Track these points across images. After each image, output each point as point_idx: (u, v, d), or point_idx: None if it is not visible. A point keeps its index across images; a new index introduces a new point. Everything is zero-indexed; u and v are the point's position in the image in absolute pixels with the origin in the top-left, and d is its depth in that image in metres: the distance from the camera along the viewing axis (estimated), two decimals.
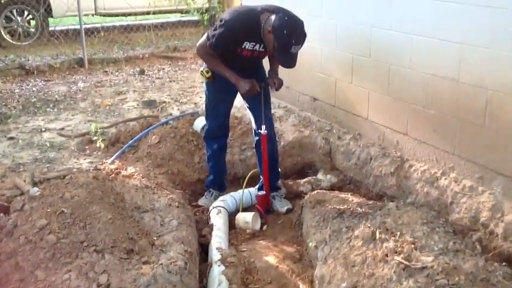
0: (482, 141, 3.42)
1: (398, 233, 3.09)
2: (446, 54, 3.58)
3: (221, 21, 3.80)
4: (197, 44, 4.04)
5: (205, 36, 3.93)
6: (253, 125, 4.25)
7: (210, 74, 4.04)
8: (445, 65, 3.61)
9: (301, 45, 3.68)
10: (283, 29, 3.57)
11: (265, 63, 4.22)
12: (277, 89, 4.12)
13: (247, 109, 4.28)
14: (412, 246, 2.94)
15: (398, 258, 2.86)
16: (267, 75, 4.14)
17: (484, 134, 3.40)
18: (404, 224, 3.21)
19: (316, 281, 3.25)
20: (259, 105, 4.07)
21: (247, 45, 3.83)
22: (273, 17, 3.64)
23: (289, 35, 3.58)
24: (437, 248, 2.94)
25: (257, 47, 3.86)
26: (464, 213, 3.45)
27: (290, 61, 3.74)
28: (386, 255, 2.93)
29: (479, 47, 3.33)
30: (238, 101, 4.37)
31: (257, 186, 4.39)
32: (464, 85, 3.48)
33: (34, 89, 7.34)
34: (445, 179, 3.69)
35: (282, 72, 4.11)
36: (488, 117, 3.35)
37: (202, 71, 4.09)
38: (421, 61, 3.81)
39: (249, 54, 3.90)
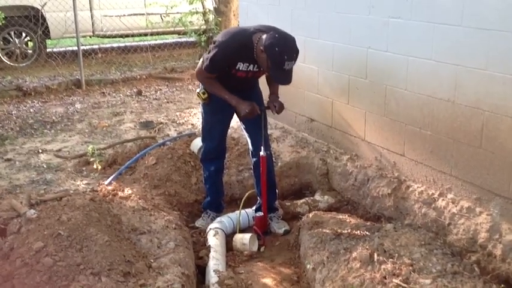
0: (479, 162, 3.43)
1: (396, 254, 3.09)
2: (442, 76, 3.60)
3: (214, 43, 3.84)
4: (195, 70, 4.07)
5: (201, 60, 3.95)
6: (250, 147, 4.26)
7: (206, 95, 4.05)
8: (441, 86, 3.63)
9: (295, 61, 3.69)
10: (274, 47, 3.59)
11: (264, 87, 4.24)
12: (278, 112, 4.09)
13: (244, 130, 4.29)
14: (410, 268, 2.94)
15: (396, 280, 2.85)
16: (268, 99, 4.13)
17: (480, 155, 3.41)
18: (402, 245, 3.20)
19: None
20: (257, 127, 4.08)
21: (241, 65, 3.85)
22: (264, 37, 3.66)
23: (281, 51, 3.59)
24: (436, 270, 2.93)
25: (251, 67, 3.88)
26: (462, 235, 3.44)
27: (285, 78, 3.75)
28: (385, 277, 2.92)
29: (475, 69, 3.36)
30: (235, 122, 4.38)
31: (254, 208, 4.38)
32: (460, 106, 3.51)
33: (31, 110, 7.33)
34: (443, 200, 3.69)
35: (279, 92, 4.12)
36: (485, 139, 3.37)
37: (198, 93, 4.10)
38: (417, 82, 3.83)
39: (243, 75, 3.92)
